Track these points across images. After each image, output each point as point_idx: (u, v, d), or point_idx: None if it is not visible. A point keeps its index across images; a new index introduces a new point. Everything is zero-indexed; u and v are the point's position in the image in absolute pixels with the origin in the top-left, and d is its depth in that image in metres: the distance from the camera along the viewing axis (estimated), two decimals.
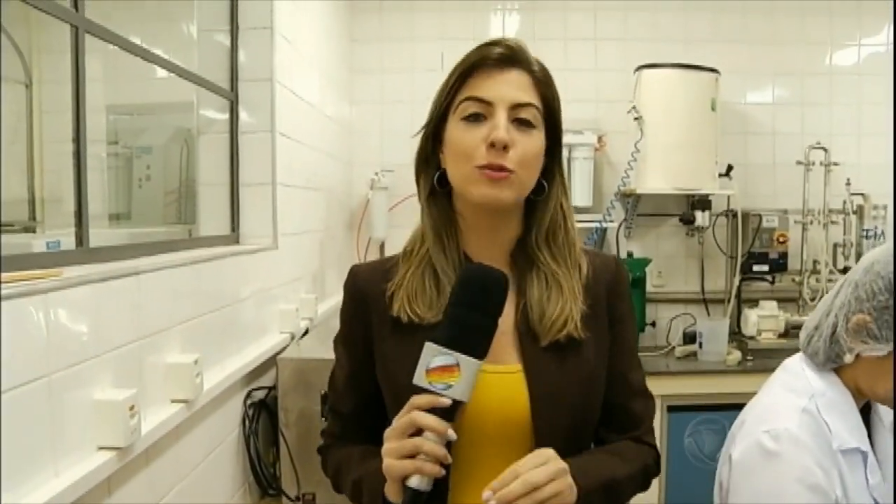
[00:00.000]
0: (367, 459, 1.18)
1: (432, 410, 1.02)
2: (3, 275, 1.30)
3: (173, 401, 1.79)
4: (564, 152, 4.03)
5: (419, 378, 1.02)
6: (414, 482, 1.02)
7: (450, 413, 1.02)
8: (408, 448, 1.02)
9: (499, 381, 1.16)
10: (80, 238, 1.68)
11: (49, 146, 2.37)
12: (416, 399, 1.03)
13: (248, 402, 2.39)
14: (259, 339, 2.47)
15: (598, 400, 1.23)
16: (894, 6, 3.59)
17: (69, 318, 1.40)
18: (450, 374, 1.01)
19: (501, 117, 1.13)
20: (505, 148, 1.13)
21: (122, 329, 1.60)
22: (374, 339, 1.23)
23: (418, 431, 1.02)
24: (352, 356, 1.28)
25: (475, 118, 1.15)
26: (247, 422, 2.37)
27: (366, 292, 1.25)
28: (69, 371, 1.39)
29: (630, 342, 1.32)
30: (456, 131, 1.17)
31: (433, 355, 1.02)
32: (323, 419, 2.33)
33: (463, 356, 1.01)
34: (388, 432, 1.06)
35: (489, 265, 1.11)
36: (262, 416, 2.47)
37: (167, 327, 1.81)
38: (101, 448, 1.47)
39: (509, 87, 1.16)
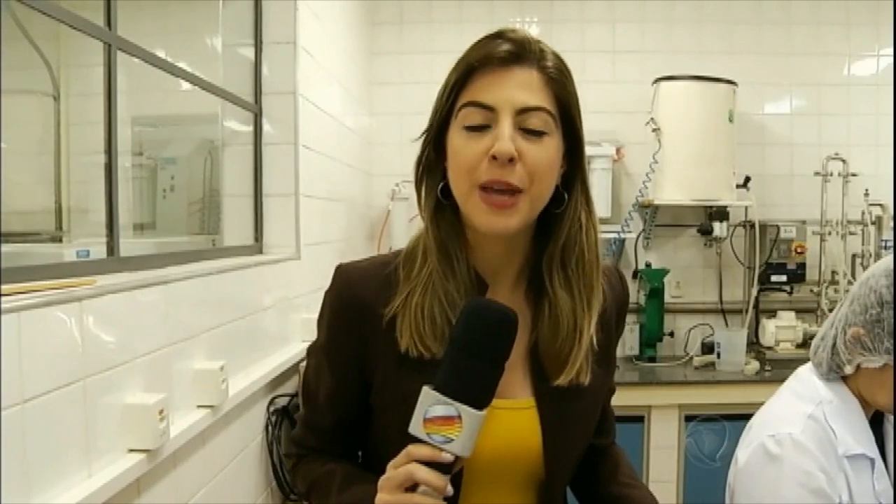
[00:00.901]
0: (351, 484, 1.09)
1: (430, 463, 0.91)
2: (40, 283, 1.35)
3: (200, 406, 1.84)
4: None
5: (416, 428, 0.91)
6: None
7: (448, 466, 0.91)
8: (402, 477, 0.92)
9: (510, 417, 1.07)
10: (112, 248, 1.73)
11: (75, 158, 2.43)
12: (414, 450, 0.91)
13: (271, 408, 2.43)
14: (282, 348, 2.52)
15: (596, 422, 1.19)
16: (894, 15, 3.59)
17: (103, 325, 1.45)
18: (450, 426, 0.90)
19: (506, 126, 0.99)
20: (511, 161, 0.98)
21: (151, 336, 1.65)
22: (371, 358, 1.10)
23: (414, 485, 0.92)
24: (337, 371, 1.14)
25: (478, 127, 1.01)
26: (269, 428, 2.41)
27: (360, 302, 1.10)
28: (103, 376, 1.44)
29: (615, 352, 1.26)
30: (457, 141, 1.03)
31: (431, 403, 0.90)
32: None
33: (465, 407, 0.90)
34: (382, 482, 0.95)
35: (497, 302, 0.97)
36: (285, 422, 2.51)
37: (194, 334, 1.85)
38: (132, 450, 1.52)
39: (515, 89, 1.01)
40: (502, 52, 1.02)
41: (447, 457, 0.90)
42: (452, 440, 0.90)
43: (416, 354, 1.04)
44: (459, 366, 0.92)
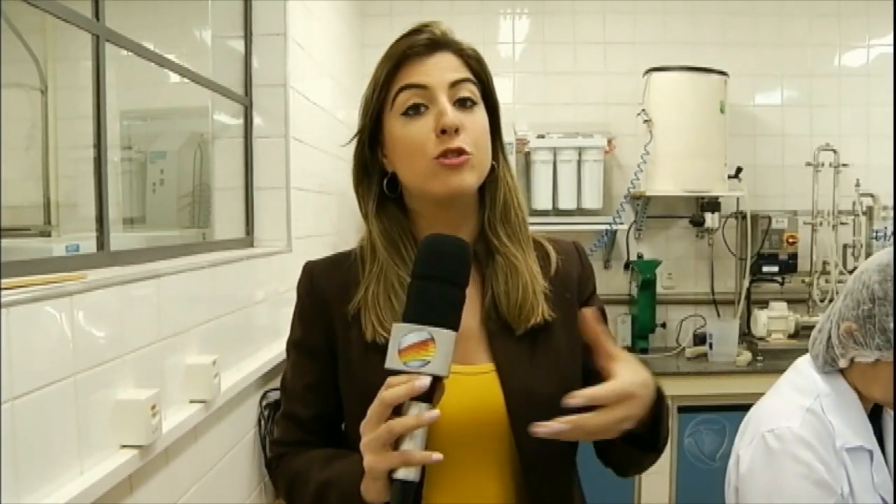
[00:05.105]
0: (333, 461, 1.10)
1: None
2: (30, 278, 1.33)
3: (192, 401, 1.83)
4: (574, 155, 3.98)
5: (392, 361, 0.93)
6: (401, 473, 0.92)
7: (429, 393, 0.92)
8: (384, 435, 0.92)
9: (471, 381, 1.12)
10: (102, 242, 1.71)
11: (63, 152, 2.41)
12: (392, 379, 0.93)
13: (264, 403, 2.42)
14: (274, 342, 2.50)
15: (574, 381, 1.16)
16: (895, 9, 3.60)
17: (94, 320, 1.43)
18: (424, 349, 0.92)
19: (444, 101, 1.10)
20: (456, 131, 1.08)
21: (143, 330, 1.63)
22: (339, 347, 1.17)
23: (397, 411, 0.93)
24: (311, 362, 1.21)
25: (415, 110, 1.11)
26: (262, 422, 2.40)
27: (325, 295, 1.19)
28: (94, 371, 1.42)
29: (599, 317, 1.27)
30: (398, 128, 1.12)
31: (404, 334, 0.93)
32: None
33: (435, 329, 0.92)
34: (364, 445, 0.95)
35: (448, 234, 1.02)
36: (277, 417, 2.49)
37: (186, 329, 1.84)
38: (124, 447, 1.50)
39: (442, 69, 1.12)
40: (423, 40, 1.13)
41: (424, 380, 0.91)
42: (429, 361, 0.92)
43: (381, 341, 1.09)
44: (423, 293, 0.95)
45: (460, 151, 1.09)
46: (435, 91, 1.10)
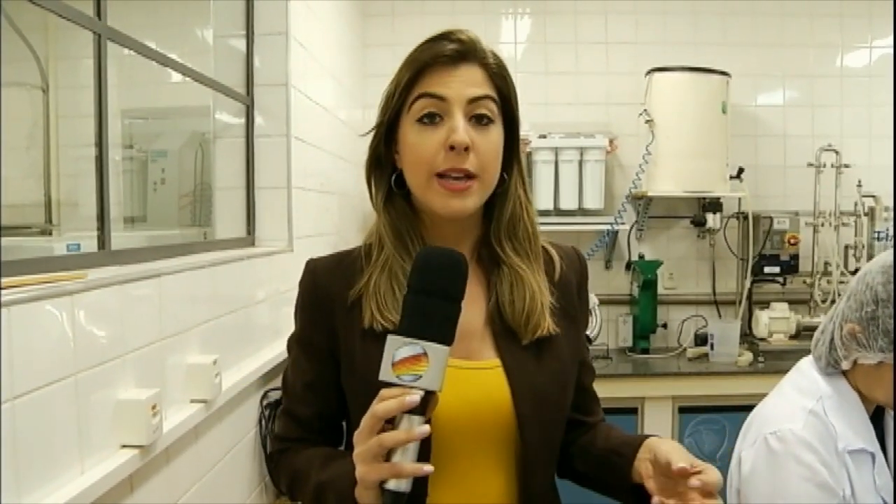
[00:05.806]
0: (331, 462, 1.12)
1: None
2: (30, 277, 1.33)
3: (193, 401, 1.82)
4: (576, 155, 3.99)
5: (385, 373, 0.94)
6: (392, 484, 0.94)
7: (422, 406, 0.94)
8: (375, 448, 0.94)
9: (478, 376, 1.14)
10: (102, 241, 1.70)
11: (65, 150, 2.41)
12: (385, 392, 0.94)
13: (265, 402, 2.41)
14: (274, 341, 2.50)
15: (571, 392, 1.23)
16: (895, 10, 3.60)
17: (94, 320, 1.43)
18: (417, 363, 0.94)
19: (459, 117, 1.10)
20: (466, 150, 1.09)
21: (144, 330, 1.63)
22: (339, 344, 1.18)
23: (391, 421, 0.95)
24: (311, 360, 1.22)
25: (430, 119, 1.11)
26: (263, 422, 2.39)
27: (327, 293, 1.20)
28: (94, 371, 1.42)
29: (585, 327, 1.34)
30: (411, 134, 1.13)
31: (397, 347, 0.94)
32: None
33: (429, 343, 0.94)
34: (356, 456, 0.98)
35: (444, 247, 1.05)
36: (279, 412, 2.49)
37: (187, 328, 1.83)
38: (125, 446, 1.50)
39: (463, 83, 1.12)
40: (449, 51, 1.12)
41: (415, 396, 0.92)
42: (421, 376, 0.94)
43: (379, 328, 1.11)
44: (418, 307, 0.97)
45: (466, 175, 1.10)
46: (452, 104, 1.11)
